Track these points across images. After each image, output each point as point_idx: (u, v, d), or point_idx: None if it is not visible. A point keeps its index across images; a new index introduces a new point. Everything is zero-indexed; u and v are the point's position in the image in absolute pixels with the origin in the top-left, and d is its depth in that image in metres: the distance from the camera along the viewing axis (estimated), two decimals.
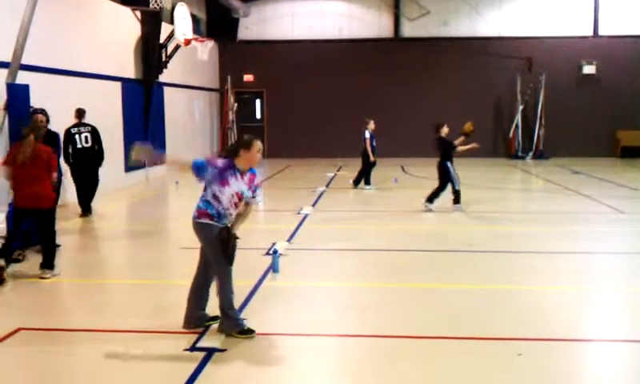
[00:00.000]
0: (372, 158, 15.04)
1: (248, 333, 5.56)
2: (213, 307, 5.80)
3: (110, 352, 5.39)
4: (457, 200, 12.06)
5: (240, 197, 5.61)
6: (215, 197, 5.51)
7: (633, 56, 22.83)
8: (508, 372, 4.93)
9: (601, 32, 23.13)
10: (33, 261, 8.48)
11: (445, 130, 11.85)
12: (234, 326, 5.58)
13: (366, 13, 23.80)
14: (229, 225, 5.58)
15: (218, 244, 5.49)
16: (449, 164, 11.85)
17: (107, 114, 14.91)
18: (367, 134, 15.03)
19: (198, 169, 5.53)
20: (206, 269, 5.77)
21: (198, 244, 5.81)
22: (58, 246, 8.99)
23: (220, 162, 5.56)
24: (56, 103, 10.12)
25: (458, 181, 12.00)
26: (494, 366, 5.03)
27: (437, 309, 6.47)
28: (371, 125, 15.12)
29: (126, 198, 14.42)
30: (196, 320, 5.80)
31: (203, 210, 5.55)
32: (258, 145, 5.71)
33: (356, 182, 15.41)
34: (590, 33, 23.19)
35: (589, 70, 23.06)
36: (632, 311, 6.59)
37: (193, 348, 5.34)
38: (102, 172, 12.10)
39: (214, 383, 4.77)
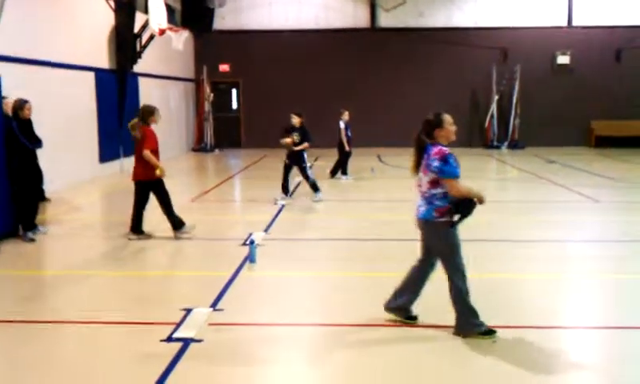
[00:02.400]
0: (347, 148, 15.06)
1: (489, 333, 5.30)
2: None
3: (85, 343, 5.34)
4: None
5: None
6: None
7: (606, 46, 23.07)
8: (483, 359, 4.97)
9: (575, 22, 23.33)
10: (6, 252, 8.38)
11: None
12: (469, 326, 5.35)
13: (343, 3, 23.73)
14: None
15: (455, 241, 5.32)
16: None
17: (81, 104, 14.75)
18: (342, 125, 15.03)
19: (456, 172, 5.22)
20: (427, 265, 5.57)
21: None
22: (33, 240, 8.91)
23: (448, 152, 5.24)
24: (28, 93, 9.93)
25: None
26: (469, 354, 5.06)
27: (420, 298, 6.48)
28: (345, 115, 15.12)
29: (101, 189, 14.25)
30: (397, 309, 5.65)
31: (445, 208, 5.25)
32: (448, 118, 5.36)
33: (333, 173, 15.41)
34: (565, 23, 23.38)
35: (563, 60, 23.28)
36: (605, 298, 6.69)
37: (169, 338, 5.30)
38: (78, 162, 11.97)
39: (191, 374, 4.74)
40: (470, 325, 5.35)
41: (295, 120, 12.34)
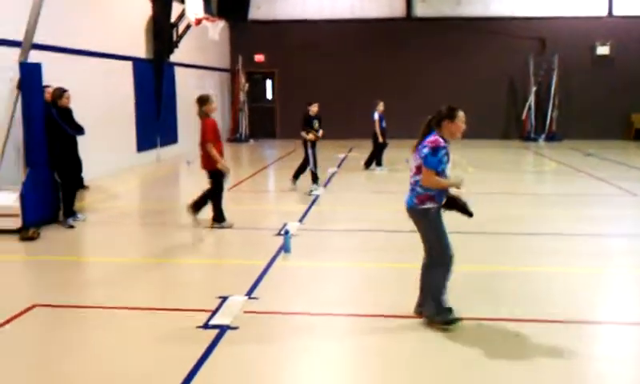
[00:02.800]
0: (380, 139, 14.99)
1: (451, 322, 5.33)
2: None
3: (123, 328, 5.45)
4: None
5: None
6: (441, 173, 5.28)
7: None
8: (514, 350, 4.94)
9: (615, 12, 22.83)
10: (47, 238, 8.58)
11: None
12: (434, 312, 5.38)
13: None
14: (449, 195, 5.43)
15: (440, 224, 5.36)
16: None
17: (119, 93, 14.96)
18: (376, 116, 14.97)
19: (437, 166, 5.23)
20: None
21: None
22: (73, 227, 9.11)
23: (442, 145, 5.25)
24: (67, 82, 10.12)
25: None
26: (511, 346, 5.04)
27: (450, 289, 6.47)
28: (380, 106, 15.05)
29: (138, 177, 14.46)
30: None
31: (425, 195, 5.29)
32: (461, 115, 5.35)
33: (367, 164, 15.38)
34: (605, 13, 22.89)
35: (603, 50, 22.80)
36: None
37: (206, 325, 5.38)
38: (115, 151, 12.16)
39: (227, 360, 4.81)
40: (436, 316, 5.36)
41: (316, 108, 12.37)
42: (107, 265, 7.56)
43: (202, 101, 9.05)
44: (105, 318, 5.75)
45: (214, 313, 5.66)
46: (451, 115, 5.33)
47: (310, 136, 12.18)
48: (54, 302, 6.06)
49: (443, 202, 5.39)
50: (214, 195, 9.15)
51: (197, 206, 9.14)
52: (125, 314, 5.79)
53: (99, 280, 6.99)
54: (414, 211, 5.38)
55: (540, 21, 22.97)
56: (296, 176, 12.47)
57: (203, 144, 8.96)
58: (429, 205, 5.30)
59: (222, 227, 9.10)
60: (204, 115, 9.03)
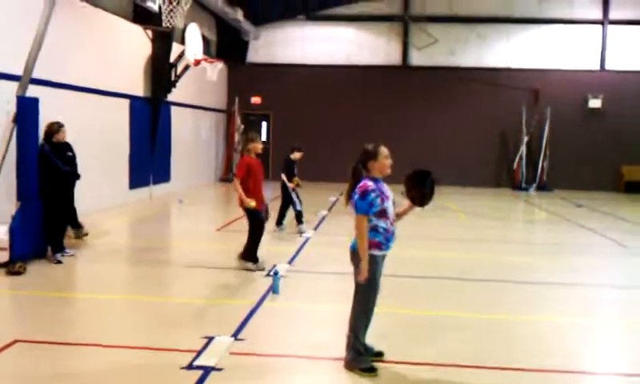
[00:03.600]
0: None
1: (370, 370, 5.35)
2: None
3: (105, 367, 5.39)
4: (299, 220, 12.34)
5: (394, 204, 5.49)
6: (381, 213, 5.32)
7: (638, 91, 22.91)
8: None
9: (607, 66, 23.24)
10: (34, 273, 8.53)
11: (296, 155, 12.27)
12: (355, 362, 5.42)
13: (375, 40, 23.98)
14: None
15: (376, 276, 5.37)
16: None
17: (114, 131, 15.04)
18: None
19: (367, 210, 5.29)
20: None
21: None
22: (60, 262, 9.07)
23: (371, 189, 5.31)
24: (64, 118, 10.18)
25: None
26: None
27: (433, 335, 6.46)
28: None
29: (129, 215, 14.45)
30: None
31: (371, 240, 5.32)
32: (384, 151, 5.44)
33: None
34: (597, 67, 23.30)
35: (595, 103, 23.15)
36: (630, 345, 6.57)
37: (190, 366, 5.34)
38: (107, 188, 12.17)
39: None
40: (357, 361, 5.39)
41: (299, 155, 12.46)
42: (93, 301, 7.51)
43: (248, 140, 9.13)
44: (88, 355, 5.69)
45: (200, 353, 5.62)
46: (373, 154, 5.41)
47: (293, 184, 12.28)
48: (36, 338, 6.01)
49: (389, 250, 5.41)
50: (250, 233, 9.02)
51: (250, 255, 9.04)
52: (108, 352, 5.74)
53: (84, 317, 6.94)
54: (355, 255, 5.39)
55: (533, 72, 23.36)
56: (279, 222, 12.48)
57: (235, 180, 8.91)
58: (372, 251, 5.32)
59: (248, 269, 8.90)
60: (245, 152, 9.10)
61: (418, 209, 5.55)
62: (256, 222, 9.03)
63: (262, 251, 9.38)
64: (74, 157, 10.00)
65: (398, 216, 5.59)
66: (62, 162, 9.56)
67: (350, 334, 5.48)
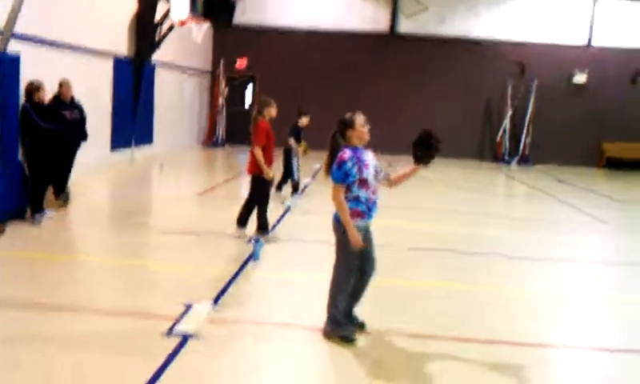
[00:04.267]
0: None
1: (347, 339, 5.41)
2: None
3: (82, 331, 5.39)
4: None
5: (377, 172, 5.48)
6: (361, 183, 5.30)
7: (622, 68, 22.97)
8: (481, 374, 5.00)
9: (594, 42, 23.26)
10: (12, 234, 8.45)
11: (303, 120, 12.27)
12: (334, 330, 5.48)
13: (364, 5, 23.73)
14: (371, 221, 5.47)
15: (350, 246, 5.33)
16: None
17: (97, 90, 14.81)
18: None
19: (344, 179, 5.30)
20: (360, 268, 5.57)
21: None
22: (39, 222, 8.97)
23: (347, 158, 5.30)
24: (45, 75, 10.00)
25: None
26: (470, 367, 5.10)
27: (414, 307, 6.53)
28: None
29: (110, 177, 14.33)
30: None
31: (353, 210, 5.32)
32: (360, 119, 5.43)
33: None
34: (585, 42, 23.31)
35: (580, 79, 23.18)
36: (606, 320, 6.69)
37: (169, 332, 5.35)
38: (88, 149, 11.98)
39: (188, 369, 4.79)
40: (334, 330, 5.45)
41: (306, 121, 12.41)
42: (71, 264, 7.48)
43: (265, 103, 8.82)
44: (65, 319, 5.68)
45: (179, 320, 5.63)
46: (350, 122, 5.43)
47: (302, 149, 12.21)
48: (11, 300, 5.97)
49: (371, 219, 5.43)
50: (257, 202, 8.79)
51: (242, 220, 8.88)
52: (86, 317, 5.73)
53: (62, 279, 6.90)
54: (338, 225, 5.39)
55: (521, 45, 23.28)
56: (279, 187, 12.40)
57: (252, 146, 8.61)
58: (353, 221, 5.32)
59: (268, 240, 8.69)
60: (261, 117, 8.72)
61: (422, 170, 5.54)
62: (265, 191, 8.82)
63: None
64: (75, 119, 9.95)
65: (400, 179, 5.66)
66: (43, 121, 9.37)
67: (329, 303, 5.52)
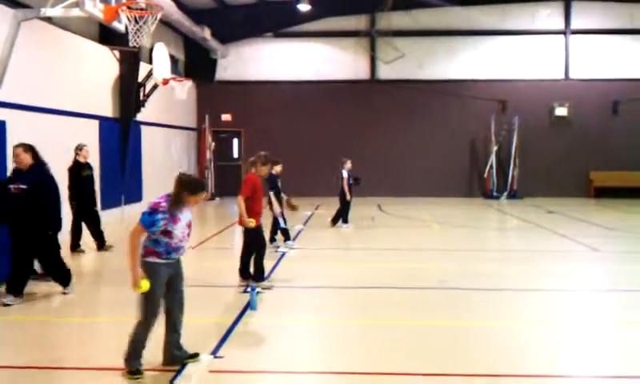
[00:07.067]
0: (348, 197, 15.10)
1: (135, 374, 5.46)
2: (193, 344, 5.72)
3: None
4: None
5: (190, 225, 5.63)
6: (165, 233, 5.42)
7: (602, 99, 23.37)
8: None
9: (572, 75, 23.69)
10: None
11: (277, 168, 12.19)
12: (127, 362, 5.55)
13: (343, 56, 24.12)
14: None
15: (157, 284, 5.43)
16: None
17: None
18: (345, 174, 15.10)
19: (147, 227, 5.40)
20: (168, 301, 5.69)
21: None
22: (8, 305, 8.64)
23: (160, 207, 5.40)
24: (32, 140, 10.00)
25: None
26: None
27: (414, 346, 6.47)
28: (348, 164, 15.20)
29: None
30: (173, 357, 5.72)
31: (149, 248, 5.45)
32: (202, 195, 5.61)
33: (334, 221, 15.43)
34: (562, 76, 23.74)
35: (561, 111, 23.55)
36: (602, 348, 6.65)
37: None
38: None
39: None
40: (128, 362, 5.50)
41: (280, 168, 12.44)
42: (63, 324, 7.37)
43: (262, 162, 8.99)
44: (66, 378, 5.58)
45: (179, 372, 5.55)
46: (192, 190, 5.52)
47: (291, 207, 12.39)
48: (10, 364, 5.88)
49: (170, 259, 5.52)
50: (255, 249, 8.95)
51: (244, 270, 9.07)
52: (87, 374, 5.63)
53: (62, 339, 6.79)
54: (141, 262, 5.45)
55: (500, 83, 23.68)
56: (272, 239, 12.36)
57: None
58: (151, 259, 5.42)
59: (264, 287, 8.74)
60: (251, 171, 8.97)
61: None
62: (259, 237, 8.98)
63: (237, 266, 9.28)
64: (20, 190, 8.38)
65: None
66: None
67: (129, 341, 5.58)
